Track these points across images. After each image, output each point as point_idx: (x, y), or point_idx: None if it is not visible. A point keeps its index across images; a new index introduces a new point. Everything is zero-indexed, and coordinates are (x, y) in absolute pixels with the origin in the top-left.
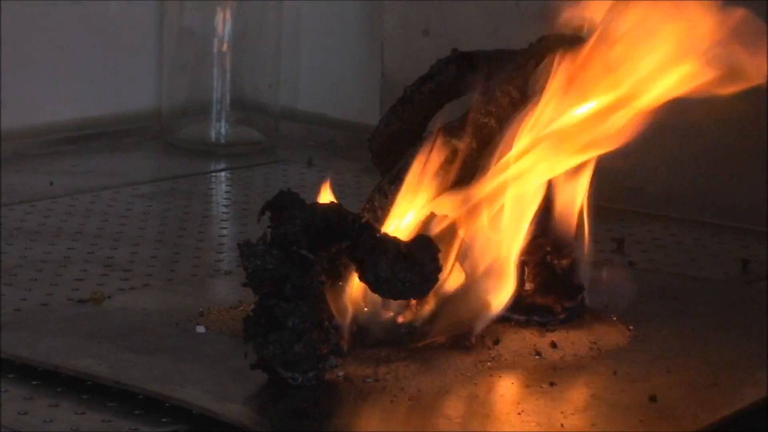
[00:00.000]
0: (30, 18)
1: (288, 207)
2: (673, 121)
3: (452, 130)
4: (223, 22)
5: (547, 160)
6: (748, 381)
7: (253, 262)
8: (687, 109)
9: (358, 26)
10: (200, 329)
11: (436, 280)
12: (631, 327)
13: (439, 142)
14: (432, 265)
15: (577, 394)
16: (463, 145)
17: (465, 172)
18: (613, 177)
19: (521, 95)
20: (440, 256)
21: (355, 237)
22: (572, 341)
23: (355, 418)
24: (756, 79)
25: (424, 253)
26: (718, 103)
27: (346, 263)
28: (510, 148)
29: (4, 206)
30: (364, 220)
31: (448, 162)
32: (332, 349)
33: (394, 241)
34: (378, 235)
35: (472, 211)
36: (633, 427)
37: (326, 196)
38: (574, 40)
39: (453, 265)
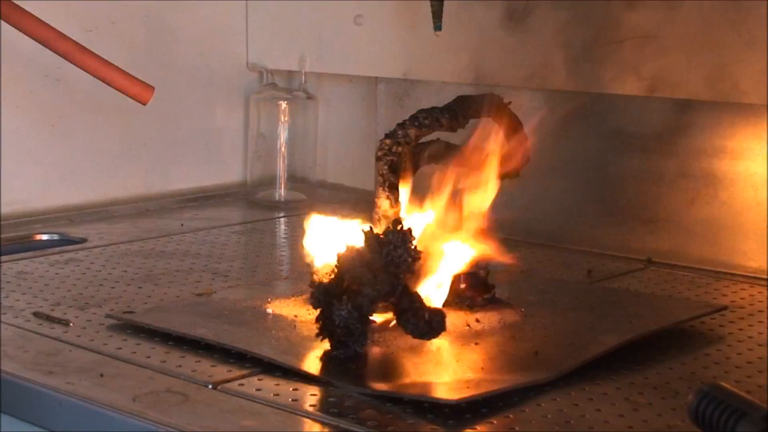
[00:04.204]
0: (170, 124)
1: (366, 284)
2: (559, 183)
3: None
4: (283, 130)
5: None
6: (592, 342)
7: (339, 314)
8: (563, 173)
9: (362, 131)
10: (269, 311)
11: (438, 335)
12: (522, 309)
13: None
14: (440, 329)
15: (492, 349)
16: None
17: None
18: (511, 219)
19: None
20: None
21: (398, 298)
22: (488, 318)
23: (360, 362)
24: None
25: (439, 326)
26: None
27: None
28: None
29: (152, 239)
30: (404, 284)
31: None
32: None
33: (423, 309)
34: (413, 299)
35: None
36: (523, 369)
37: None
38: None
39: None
